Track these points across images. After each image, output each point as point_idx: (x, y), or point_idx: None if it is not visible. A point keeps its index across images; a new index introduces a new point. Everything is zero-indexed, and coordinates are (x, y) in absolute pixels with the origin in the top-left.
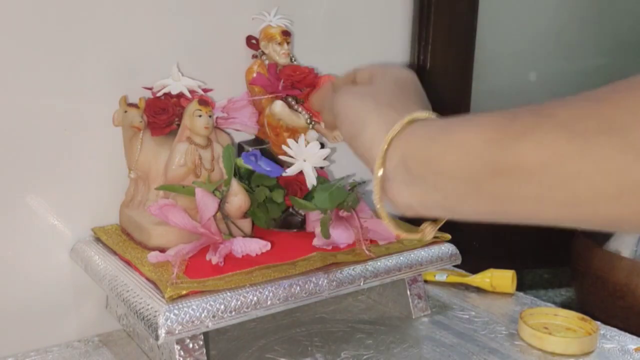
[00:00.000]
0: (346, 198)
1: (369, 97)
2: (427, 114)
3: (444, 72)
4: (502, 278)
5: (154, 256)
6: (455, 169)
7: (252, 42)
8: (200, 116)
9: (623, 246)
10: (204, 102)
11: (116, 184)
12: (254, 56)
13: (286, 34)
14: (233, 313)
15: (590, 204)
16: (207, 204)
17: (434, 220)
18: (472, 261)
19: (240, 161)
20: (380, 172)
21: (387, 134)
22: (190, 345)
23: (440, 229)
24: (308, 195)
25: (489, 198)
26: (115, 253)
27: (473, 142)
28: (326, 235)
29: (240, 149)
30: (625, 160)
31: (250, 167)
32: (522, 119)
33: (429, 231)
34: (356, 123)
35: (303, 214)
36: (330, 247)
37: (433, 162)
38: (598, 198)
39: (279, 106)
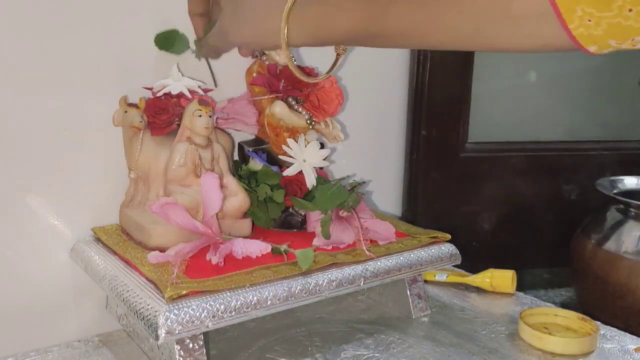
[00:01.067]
0: (346, 198)
1: None
2: None
3: (444, 72)
4: (502, 278)
5: (154, 256)
6: (342, 41)
7: None
8: (200, 116)
9: (623, 246)
10: (204, 102)
11: (116, 184)
12: (254, 56)
13: None
14: (233, 313)
15: (439, 39)
16: (213, 199)
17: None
18: (472, 261)
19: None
20: (286, 50)
21: (283, 14)
22: (190, 345)
23: (441, 229)
24: (308, 195)
25: (373, 45)
26: (115, 253)
27: (351, 24)
28: (327, 235)
29: (240, 149)
30: (459, 21)
31: (257, 162)
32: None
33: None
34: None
35: (303, 214)
36: (330, 247)
37: (326, 39)
38: (448, 44)
39: (279, 106)
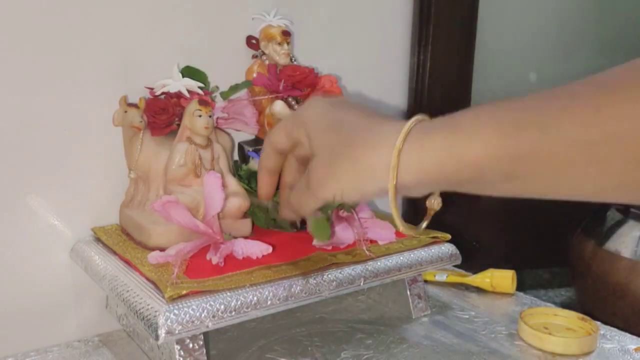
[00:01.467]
0: None
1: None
2: (416, 117)
3: (444, 72)
4: (502, 278)
5: (154, 257)
6: (471, 181)
7: (252, 42)
8: (200, 116)
9: (623, 246)
10: (204, 102)
11: (116, 184)
12: (254, 56)
13: (286, 34)
14: (233, 313)
15: (595, 193)
16: (215, 199)
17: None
18: (472, 261)
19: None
20: (394, 181)
21: (396, 143)
22: (190, 345)
23: (441, 229)
24: None
25: (499, 189)
26: (115, 253)
27: (485, 161)
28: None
29: (240, 149)
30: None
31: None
32: (525, 132)
33: (437, 203)
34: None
35: None
36: (330, 248)
37: (450, 179)
38: (601, 191)
39: (279, 106)
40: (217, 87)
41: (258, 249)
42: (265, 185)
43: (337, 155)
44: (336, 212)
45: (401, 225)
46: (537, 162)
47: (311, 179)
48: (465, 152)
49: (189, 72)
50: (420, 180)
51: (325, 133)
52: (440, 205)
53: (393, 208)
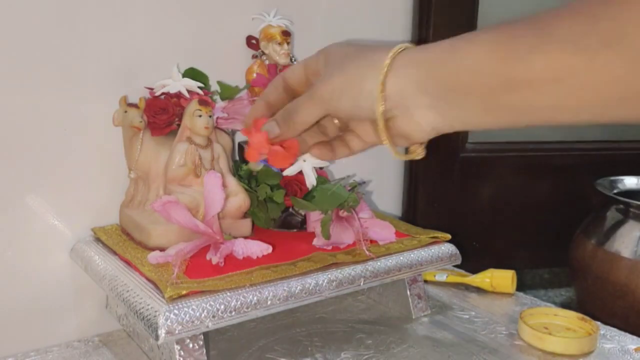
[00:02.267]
0: (346, 198)
1: (343, 52)
2: (405, 44)
3: None
4: (502, 278)
5: (154, 257)
6: (472, 87)
7: (252, 42)
8: (200, 116)
9: (623, 246)
10: (204, 102)
11: (116, 184)
12: (254, 56)
13: (286, 34)
14: (233, 313)
15: (600, 109)
16: (215, 199)
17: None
18: (472, 261)
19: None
20: (382, 108)
21: (381, 68)
22: (190, 345)
23: (441, 229)
24: (308, 195)
25: (507, 110)
26: (115, 253)
27: (484, 61)
28: (327, 236)
29: (240, 149)
30: (626, 71)
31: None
32: (524, 37)
33: (420, 151)
34: (345, 74)
35: (303, 214)
36: (330, 248)
37: (449, 82)
38: (606, 104)
39: None
40: (218, 92)
41: (258, 248)
42: (256, 113)
43: (346, 57)
44: (336, 212)
45: (387, 140)
46: (536, 68)
47: (320, 79)
48: (464, 54)
49: (191, 74)
50: (419, 82)
51: (342, 51)
52: (423, 154)
53: (385, 139)
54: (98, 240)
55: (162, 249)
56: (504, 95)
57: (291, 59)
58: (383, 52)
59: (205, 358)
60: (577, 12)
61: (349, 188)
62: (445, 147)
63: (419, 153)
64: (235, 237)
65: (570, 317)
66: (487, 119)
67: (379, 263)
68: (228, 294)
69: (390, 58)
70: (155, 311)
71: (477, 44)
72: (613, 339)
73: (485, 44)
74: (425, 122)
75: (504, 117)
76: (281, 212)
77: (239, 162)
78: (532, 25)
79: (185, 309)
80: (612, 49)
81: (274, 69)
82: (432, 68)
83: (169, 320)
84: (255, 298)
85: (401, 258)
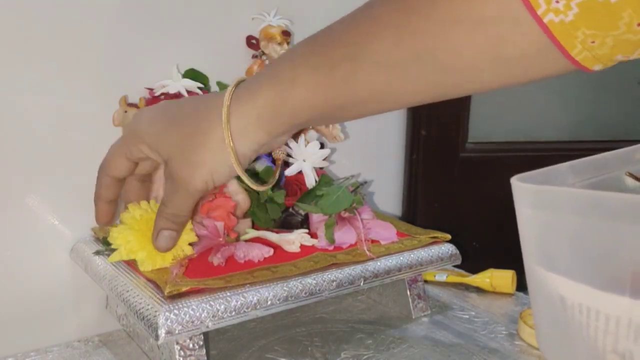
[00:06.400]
0: (352, 202)
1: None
2: (237, 78)
3: None
4: (502, 278)
5: None
6: (307, 121)
7: (252, 42)
8: None
9: None
10: None
11: None
12: (254, 56)
13: (286, 34)
14: (233, 313)
15: (418, 97)
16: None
17: None
18: (472, 261)
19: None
20: (238, 166)
21: (224, 104)
22: (190, 345)
23: (440, 229)
24: (309, 194)
25: (341, 118)
26: None
27: (312, 100)
28: (331, 240)
29: None
30: (443, 75)
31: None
32: (340, 66)
33: (282, 155)
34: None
35: (303, 213)
36: (332, 248)
37: (293, 123)
38: (430, 98)
39: None
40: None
41: (259, 252)
42: (105, 214)
43: (188, 147)
44: (339, 213)
45: (249, 182)
46: (358, 90)
47: (176, 180)
48: (293, 99)
49: (191, 74)
50: (259, 142)
51: (167, 133)
52: (285, 154)
53: (236, 165)
54: (98, 240)
55: None
56: (337, 112)
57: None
58: (213, 121)
59: (205, 358)
60: (383, 25)
61: (352, 189)
62: (445, 147)
63: (280, 155)
64: (237, 240)
65: None
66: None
67: (379, 263)
68: (228, 294)
69: (228, 136)
70: (155, 311)
71: (301, 88)
72: None
73: (308, 84)
74: (255, 141)
75: (340, 121)
76: (281, 212)
77: None
78: (345, 45)
79: (185, 309)
80: (422, 62)
81: None
82: (273, 120)
83: (169, 320)
84: (255, 298)
85: (401, 258)
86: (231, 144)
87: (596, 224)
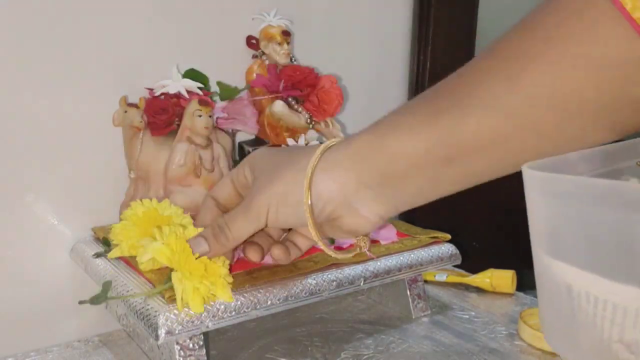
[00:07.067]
0: None
1: (272, 166)
2: (332, 141)
3: (444, 72)
4: (502, 278)
5: None
6: (408, 171)
7: (252, 42)
8: (200, 116)
9: None
10: (204, 102)
11: (116, 184)
12: (254, 56)
13: (286, 34)
14: (233, 313)
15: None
16: None
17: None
18: (472, 261)
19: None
20: (311, 219)
21: (307, 170)
22: (190, 345)
23: (441, 229)
24: None
25: (449, 181)
26: None
27: (414, 145)
28: (331, 239)
29: (240, 149)
30: (553, 116)
31: None
32: (447, 111)
33: (364, 244)
34: (277, 187)
35: None
36: (332, 248)
37: (387, 171)
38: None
39: (279, 106)
40: (218, 93)
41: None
42: (208, 215)
43: (275, 167)
44: None
45: (326, 248)
46: (464, 140)
47: (251, 192)
48: (392, 143)
49: (191, 74)
50: (358, 178)
51: (267, 159)
52: (368, 245)
53: (316, 236)
54: (98, 240)
55: None
56: (442, 169)
57: (291, 59)
58: (308, 156)
59: (205, 358)
60: (494, 71)
61: None
62: None
63: (363, 247)
64: None
65: None
66: (433, 193)
67: (379, 263)
68: None
69: (312, 165)
70: (155, 311)
71: (401, 131)
72: None
73: (410, 128)
74: (372, 213)
75: (449, 187)
76: None
77: (239, 162)
78: (451, 94)
79: (185, 309)
80: (538, 105)
81: (274, 69)
82: (365, 161)
83: (169, 320)
84: (255, 298)
85: (401, 258)
86: (309, 176)
87: (608, 213)
